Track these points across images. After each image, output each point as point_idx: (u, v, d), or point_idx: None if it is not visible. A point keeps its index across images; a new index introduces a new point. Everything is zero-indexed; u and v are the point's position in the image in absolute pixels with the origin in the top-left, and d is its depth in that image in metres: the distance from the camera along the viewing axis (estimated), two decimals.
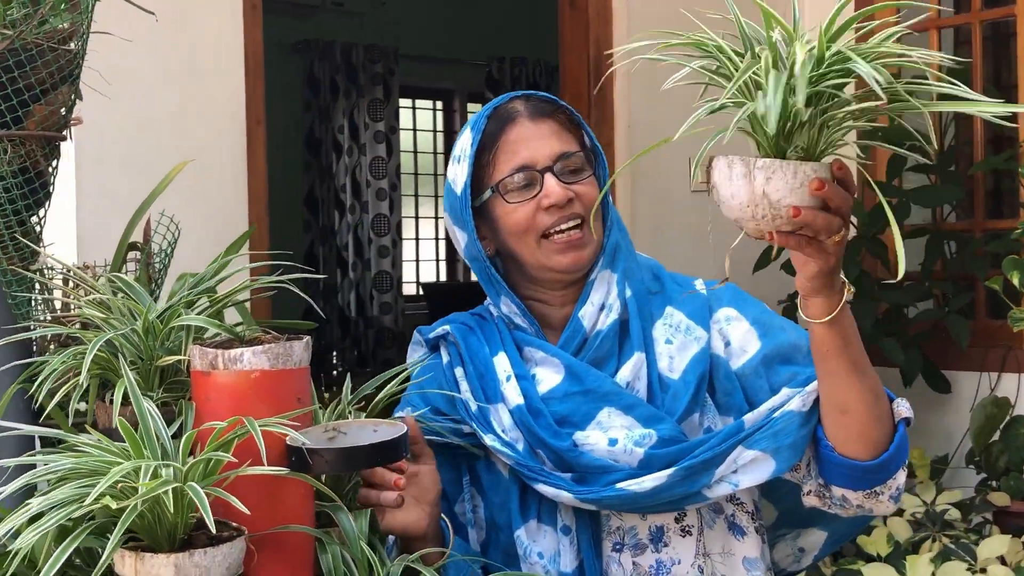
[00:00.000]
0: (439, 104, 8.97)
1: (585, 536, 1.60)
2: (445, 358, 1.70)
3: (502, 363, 1.65)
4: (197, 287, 1.49)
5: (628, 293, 1.65)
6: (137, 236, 1.75)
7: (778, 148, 1.27)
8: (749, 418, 1.56)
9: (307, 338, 1.39)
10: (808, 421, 1.55)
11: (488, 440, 1.61)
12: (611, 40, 3.84)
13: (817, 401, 1.55)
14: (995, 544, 2.93)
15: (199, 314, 1.46)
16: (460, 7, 8.17)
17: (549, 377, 1.63)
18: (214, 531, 1.16)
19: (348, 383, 1.56)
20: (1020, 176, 2.85)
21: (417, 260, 8.90)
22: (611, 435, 1.58)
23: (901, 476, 1.54)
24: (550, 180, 1.61)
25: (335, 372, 7.41)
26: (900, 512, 3.27)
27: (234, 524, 1.27)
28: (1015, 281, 2.76)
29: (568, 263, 1.62)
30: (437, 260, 9.04)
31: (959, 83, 1.26)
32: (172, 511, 1.18)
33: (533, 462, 1.59)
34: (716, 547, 1.62)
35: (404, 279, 8.52)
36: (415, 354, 1.75)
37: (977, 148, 3.97)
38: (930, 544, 3.11)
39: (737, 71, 1.26)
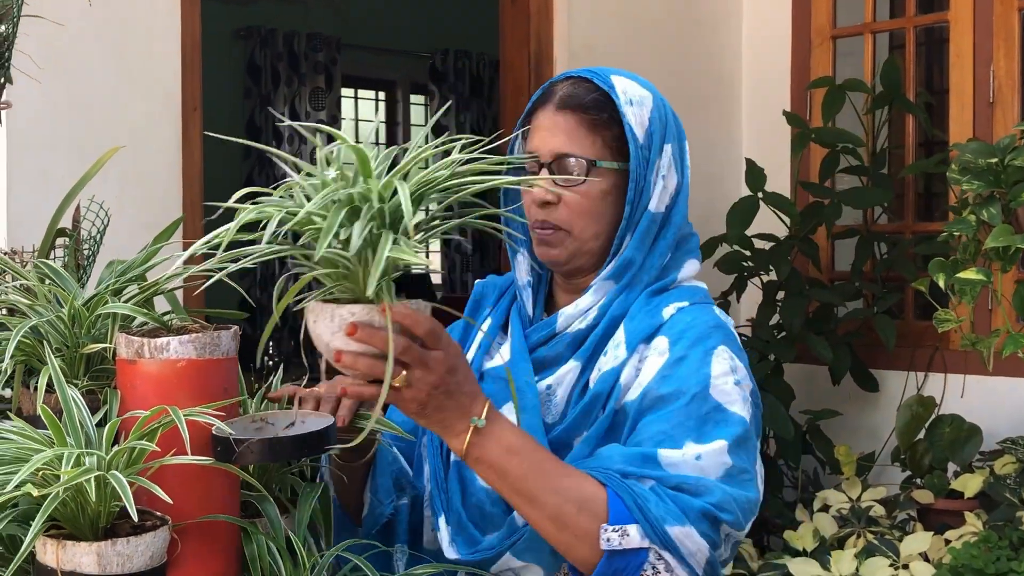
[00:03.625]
0: (382, 95, 8.93)
1: None
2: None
3: (484, 328, 1.69)
4: (125, 275, 1.48)
5: (614, 305, 1.61)
6: (66, 222, 1.73)
7: (337, 290, 1.26)
8: (519, 516, 1.51)
9: (235, 328, 1.39)
10: None
11: None
12: (552, 35, 3.85)
13: None
14: (917, 541, 2.98)
15: (127, 302, 1.45)
16: None
17: (504, 354, 1.66)
18: (136, 519, 1.15)
19: (280, 374, 1.57)
20: (949, 180, 2.91)
21: None
22: None
23: None
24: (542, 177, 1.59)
25: (271, 362, 7.37)
26: (826, 508, 3.33)
27: (158, 513, 1.27)
28: (940, 283, 2.81)
29: (540, 254, 1.63)
30: None
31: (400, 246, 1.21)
32: (94, 499, 1.18)
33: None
34: None
35: None
36: None
37: (908, 151, 4.04)
38: (855, 540, 3.16)
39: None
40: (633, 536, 1.40)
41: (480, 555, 1.53)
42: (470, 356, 1.66)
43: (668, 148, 1.61)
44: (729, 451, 1.48)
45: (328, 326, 1.23)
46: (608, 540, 1.39)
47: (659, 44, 4.18)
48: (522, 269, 1.69)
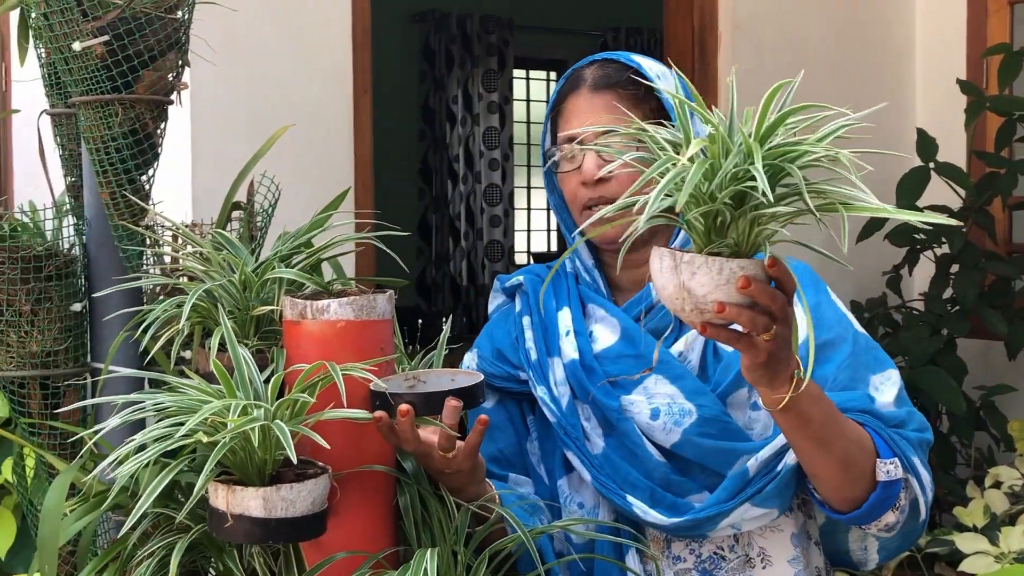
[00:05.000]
0: (553, 75, 8.99)
1: None
2: (517, 307, 1.77)
3: (564, 318, 1.71)
4: (292, 243, 1.58)
5: None
6: (241, 196, 1.85)
7: (709, 242, 1.26)
8: (753, 465, 1.56)
9: (390, 292, 1.47)
10: None
11: (539, 392, 1.68)
12: (716, 7, 3.84)
13: None
14: None
15: (296, 268, 1.55)
16: None
17: (605, 336, 1.68)
18: (295, 462, 1.24)
19: (446, 330, 1.65)
20: None
21: (528, 230, 8.96)
22: (654, 404, 1.61)
23: (888, 518, 1.53)
24: (589, 156, 1.64)
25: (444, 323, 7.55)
26: (998, 484, 3.25)
27: (319, 463, 1.36)
28: None
29: (596, 236, 1.67)
30: (548, 230, 9.09)
31: (867, 194, 1.21)
32: (259, 447, 1.27)
33: (571, 420, 1.65)
34: None
35: (516, 248, 8.59)
36: (494, 302, 1.84)
37: None
38: None
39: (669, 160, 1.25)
40: (899, 468, 1.51)
41: (706, 512, 1.57)
42: (572, 344, 1.67)
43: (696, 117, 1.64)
44: (900, 376, 1.62)
45: (713, 279, 1.23)
46: (887, 472, 1.50)
47: (828, 13, 4.10)
48: (585, 251, 1.73)
